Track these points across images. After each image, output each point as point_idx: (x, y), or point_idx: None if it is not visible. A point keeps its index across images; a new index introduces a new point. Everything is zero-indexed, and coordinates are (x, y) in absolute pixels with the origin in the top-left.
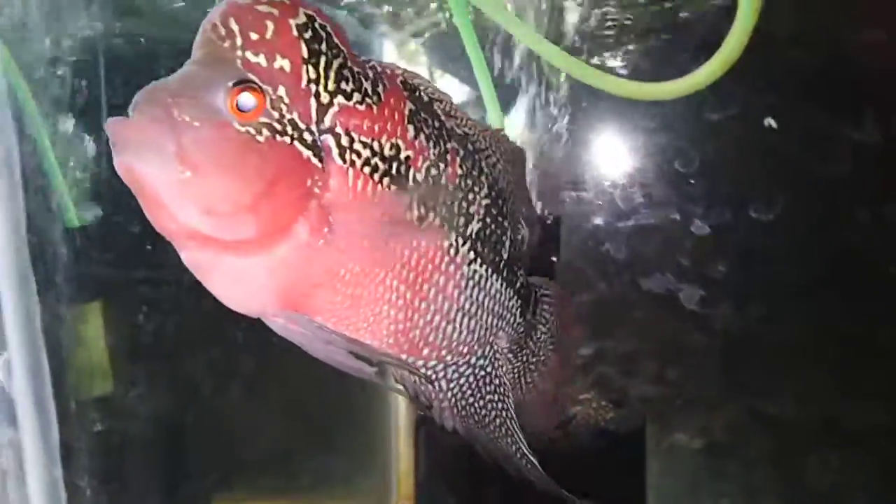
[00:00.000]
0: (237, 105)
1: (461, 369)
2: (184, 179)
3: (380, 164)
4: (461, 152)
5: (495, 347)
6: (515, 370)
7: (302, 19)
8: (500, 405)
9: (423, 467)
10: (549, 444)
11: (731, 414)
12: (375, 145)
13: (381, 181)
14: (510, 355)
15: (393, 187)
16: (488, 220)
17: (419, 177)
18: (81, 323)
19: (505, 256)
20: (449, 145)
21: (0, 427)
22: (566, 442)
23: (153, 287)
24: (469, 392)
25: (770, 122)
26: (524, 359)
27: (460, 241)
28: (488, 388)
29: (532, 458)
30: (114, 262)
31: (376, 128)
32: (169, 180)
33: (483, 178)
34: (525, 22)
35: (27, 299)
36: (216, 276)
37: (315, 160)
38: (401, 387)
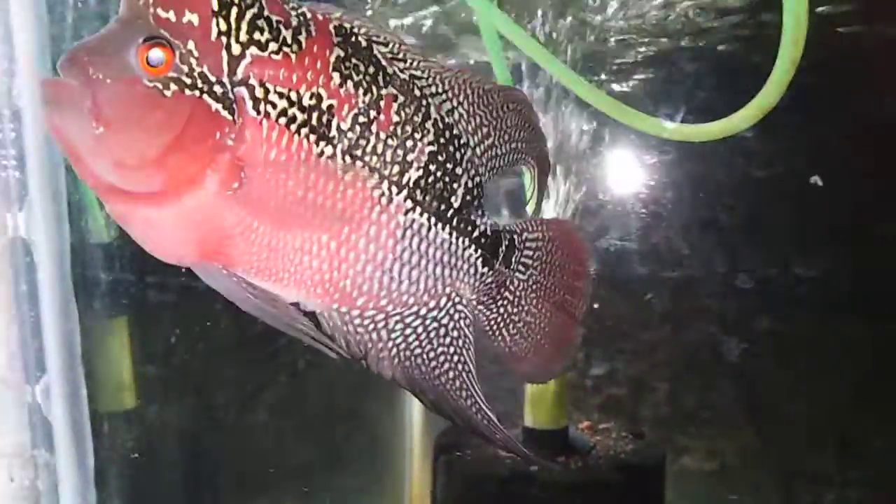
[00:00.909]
0: (147, 61)
1: (407, 320)
2: (97, 135)
3: (298, 114)
4: (400, 98)
5: (455, 299)
6: (493, 322)
7: None
8: (455, 358)
9: (440, 498)
10: (569, 474)
11: (744, 438)
12: (293, 95)
13: (298, 131)
14: (482, 307)
15: (312, 137)
16: (432, 167)
17: (344, 126)
18: (108, 338)
19: (456, 204)
20: (384, 91)
21: (37, 450)
22: (585, 473)
23: (177, 303)
24: (416, 343)
25: (816, 180)
26: (501, 310)
27: (394, 189)
28: (442, 340)
29: (490, 414)
30: (140, 277)
31: (294, 77)
32: (85, 136)
33: (429, 125)
34: (558, 60)
35: (69, 325)
36: (135, 228)
37: (226, 112)
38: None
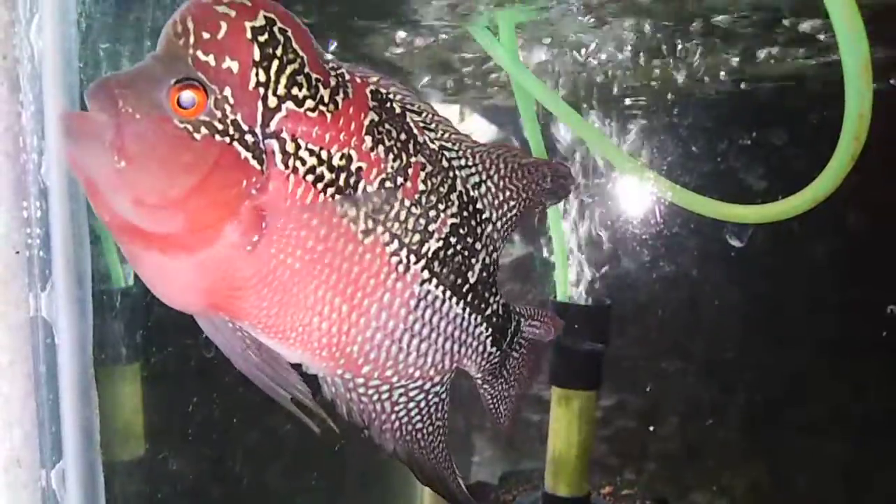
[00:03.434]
0: (178, 101)
1: (411, 393)
2: (118, 169)
3: (326, 173)
4: (428, 168)
5: (452, 375)
6: (493, 399)
7: (260, 22)
8: (443, 430)
9: None
10: None
11: (753, 475)
12: (323, 154)
13: (324, 190)
14: (486, 385)
15: (337, 197)
16: (452, 240)
17: (370, 189)
18: (119, 385)
19: (472, 280)
20: (413, 159)
21: None
22: None
23: (188, 351)
24: (418, 418)
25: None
26: (499, 388)
27: (412, 258)
28: (439, 416)
29: (461, 483)
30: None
31: (327, 136)
32: (105, 169)
33: (453, 197)
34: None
35: (87, 411)
36: (146, 270)
37: (254, 162)
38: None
